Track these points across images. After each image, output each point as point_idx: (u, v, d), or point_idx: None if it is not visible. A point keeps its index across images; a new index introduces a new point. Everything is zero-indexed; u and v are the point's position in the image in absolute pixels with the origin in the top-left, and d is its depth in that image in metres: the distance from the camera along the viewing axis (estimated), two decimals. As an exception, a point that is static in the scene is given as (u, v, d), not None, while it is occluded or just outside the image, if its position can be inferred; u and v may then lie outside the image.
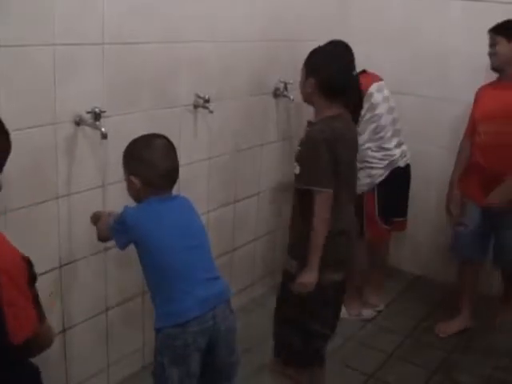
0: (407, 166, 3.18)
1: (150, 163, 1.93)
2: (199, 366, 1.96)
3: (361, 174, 3.07)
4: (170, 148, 1.99)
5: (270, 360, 2.48)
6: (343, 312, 3.26)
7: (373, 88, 3.00)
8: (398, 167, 3.11)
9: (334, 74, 2.22)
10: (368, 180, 3.08)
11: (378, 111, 3.02)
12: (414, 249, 3.81)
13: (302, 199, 2.24)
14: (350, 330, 3.17)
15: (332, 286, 2.29)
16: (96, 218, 2.16)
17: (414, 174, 3.51)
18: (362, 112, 2.99)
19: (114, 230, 2.00)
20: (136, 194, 1.99)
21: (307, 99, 2.31)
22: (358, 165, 2.97)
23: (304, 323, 2.30)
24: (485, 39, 3.19)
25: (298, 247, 2.27)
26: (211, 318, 1.92)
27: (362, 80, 2.99)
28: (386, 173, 3.08)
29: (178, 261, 1.92)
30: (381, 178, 3.08)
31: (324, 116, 2.23)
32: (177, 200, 2.03)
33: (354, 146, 2.34)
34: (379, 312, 3.40)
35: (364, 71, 3.08)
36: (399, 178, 3.14)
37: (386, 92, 3.07)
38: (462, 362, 2.95)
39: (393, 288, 3.63)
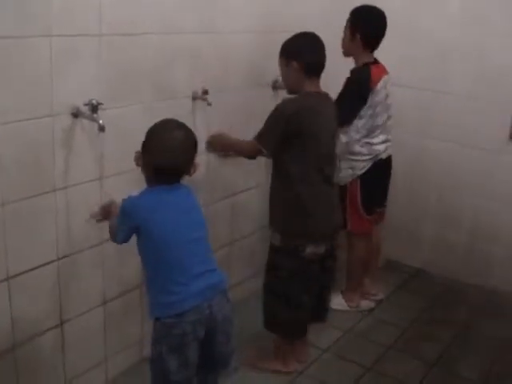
0: (388, 157, 3.16)
1: (152, 153, 1.94)
2: (197, 355, 1.97)
3: (343, 166, 3.08)
4: (179, 144, 1.96)
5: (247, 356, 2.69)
6: (342, 304, 3.29)
7: (380, 84, 2.97)
8: (380, 159, 3.10)
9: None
10: (350, 171, 3.08)
11: (378, 110, 3.00)
12: (413, 242, 3.81)
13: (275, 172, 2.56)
14: (348, 323, 3.17)
15: (314, 260, 2.51)
16: (106, 212, 2.16)
17: (415, 167, 3.51)
18: (365, 107, 2.98)
19: (117, 223, 1.99)
20: (145, 176, 2.00)
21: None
22: (343, 156, 3.06)
23: (292, 296, 2.54)
24: (484, 31, 3.19)
25: (279, 220, 2.56)
26: (207, 307, 1.94)
27: (374, 72, 2.97)
28: (369, 164, 3.07)
29: (177, 253, 1.92)
30: (363, 170, 3.07)
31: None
32: (179, 189, 2.01)
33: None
34: (379, 301, 3.40)
35: (375, 62, 3.05)
36: (381, 169, 3.13)
37: (388, 87, 3.04)
38: (462, 355, 2.95)
39: (392, 281, 3.63)
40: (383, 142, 3.09)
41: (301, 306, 2.58)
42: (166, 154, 1.93)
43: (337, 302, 3.29)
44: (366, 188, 3.10)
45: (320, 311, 2.76)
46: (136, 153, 1.99)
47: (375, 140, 3.05)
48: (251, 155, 2.59)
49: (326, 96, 2.57)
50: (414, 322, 3.24)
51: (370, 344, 3.02)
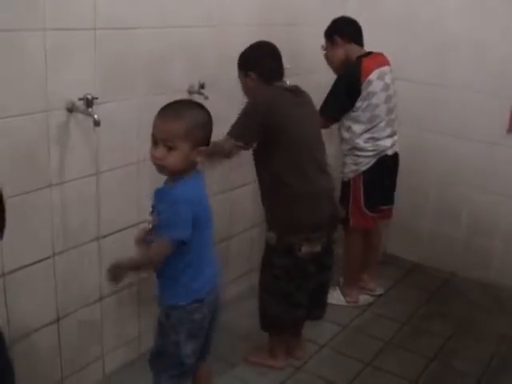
0: (395, 154, 3.15)
1: (204, 128, 1.90)
2: None
3: (347, 161, 3.07)
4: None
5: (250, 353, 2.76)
6: (340, 299, 3.28)
7: (373, 75, 2.96)
8: (386, 155, 3.08)
9: None
10: (354, 167, 3.07)
11: (374, 101, 2.98)
12: (412, 236, 3.80)
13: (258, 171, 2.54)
14: (347, 318, 3.17)
15: (311, 259, 2.50)
16: (132, 265, 1.95)
17: (413, 160, 3.50)
18: (360, 99, 2.96)
19: (172, 216, 1.85)
20: (187, 165, 1.87)
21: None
22: (347, 151, 3.08)
23: (288, 295, 2.53)
24: (484, 24, 3.17)
25: (272, 219, 2.54)
26: (215, 291, 2.04)
27: (365, 63, 2.96)
28: (373, 161, 3.05)
29: (207, 239, 1.98)
30: (367, 166, 3.05)
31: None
32: (201, 177, 1.96)
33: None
34: (379, 296, 3.40)
35: (370, 53, 3.03)
36: (386, 165, 3.11)
37: (387, 79, 3.02)
38: (460, 349, 2.95)
39: (391, 275, 3.62)
40: (389, 136, 3.07)
41: (296, 304, 2.58)
42: (210, 130, 1.94)
43: (335, 296, 3.29)
44: (369, 185, 3.08)
45: (316, 308, 2.74)
46: (179, 149, 1.83)
47: (380, 134, 3.04)
48: (227, 153, 2.42)
49: (295, 88, 2.55)
50: (412, 316, 3.23)
51: (368, 339, 3.01)
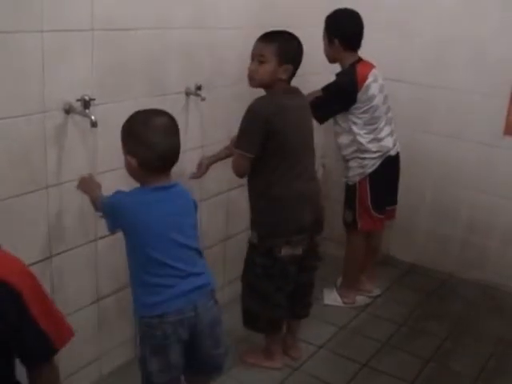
0: (397, 154, 3.17)
1: (148, 144, 1.85)
2: (181, 358, 1.96)
3: (352, 165, 3.07)
4: (170, 127, 1.91)
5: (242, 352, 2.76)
6: (337, 300, 3.29)
7: (370, 79, 2.96)
8: (389, 156, 3.09)
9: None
10: (360, 170, 3.06)
11: (374, 103, 2.99)
12: (409, 237, 3.80)
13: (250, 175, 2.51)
14: (343, 319, 3.17)
15: (291, 261, 2.51)
16: (86, 187, 2.15)
17: (410, 162, 3.50)
18: (358, 102, 2.96)
19: (103, 212, 2.02)
20: (133, 174, 1.93)
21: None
22: (351, 155, 3.05)
23: (268, 294, 2.55)
24: (483, 25, 3.18)
25: (255, 219, 2.57)
26: (192, 309, 1.92)
27: (360, 70, 2.96)
28: (378, 162, 3.05)
29: (161, 254, 1.88)
30: (373, 168, 3.05)
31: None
32: (173, 190, 1.95)
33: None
34: (375, 297, 3.40)
35: (360, 59, 3.04)
36: (390, 166, 3.12)
37: (380, 80, 3.03)
38: (457, 350, 2.95)
39: (388, 276, 3.62)
40: (389, 134, 3.08)
41: (274, 304, 2.58)
42: (161, 139, 1.86)
43: (332, 297, 3.29)
44: (376, 187, 3.09)
45: (300, 308, 2.74)
46: (124, 159, 1.92)
47: (382, 134, 3.04)
48: (241, 170, 2.49)
49: (295, 90, 2.54)
50: (409, 317, 3.24)
51: (365, 340, 3.01)
